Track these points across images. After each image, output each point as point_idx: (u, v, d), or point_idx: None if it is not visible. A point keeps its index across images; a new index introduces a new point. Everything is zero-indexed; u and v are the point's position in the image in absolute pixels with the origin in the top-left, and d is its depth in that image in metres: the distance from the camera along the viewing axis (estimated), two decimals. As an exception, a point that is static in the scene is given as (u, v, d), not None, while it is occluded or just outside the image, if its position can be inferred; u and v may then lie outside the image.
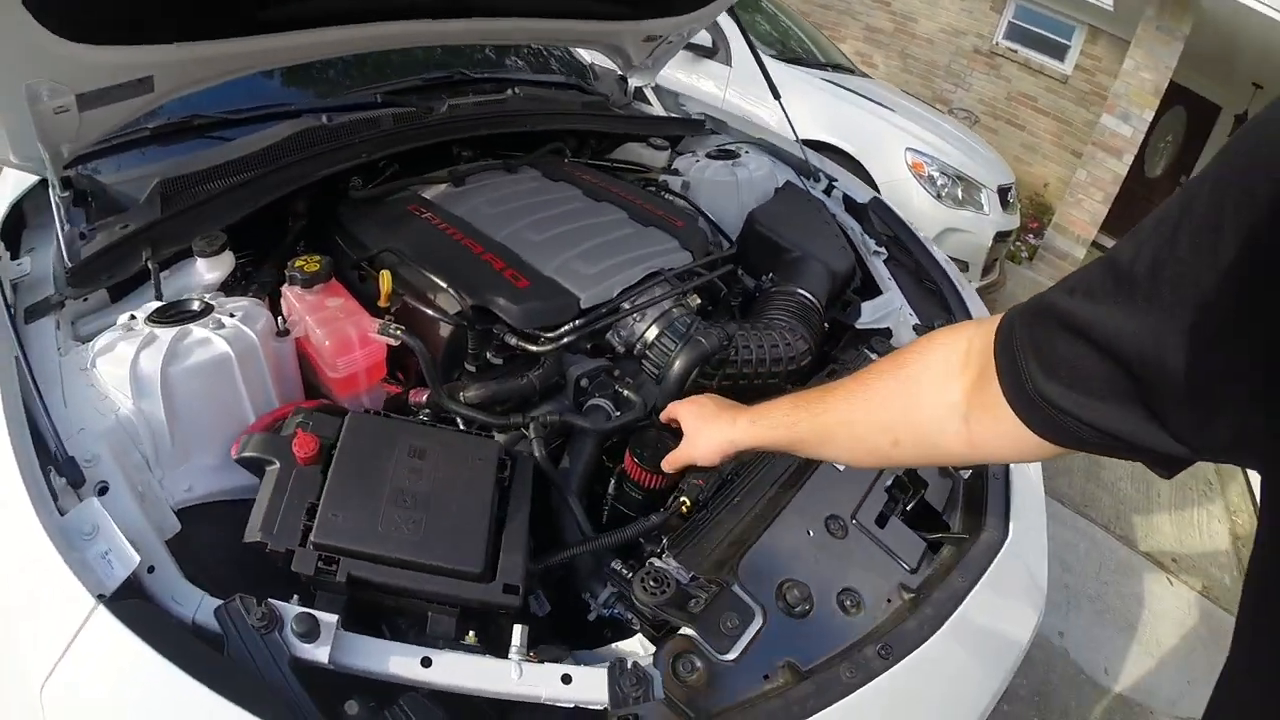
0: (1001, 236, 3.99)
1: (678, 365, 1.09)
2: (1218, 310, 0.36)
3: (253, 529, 0.69)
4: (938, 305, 1.65)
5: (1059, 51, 6.95)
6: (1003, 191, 3.97)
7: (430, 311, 1.04)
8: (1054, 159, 6.94)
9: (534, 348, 1.04)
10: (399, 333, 0.94)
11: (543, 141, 1.71)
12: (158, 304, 0.87)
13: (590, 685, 0.68)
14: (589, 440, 1.00)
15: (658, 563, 0.80)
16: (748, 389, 1.21)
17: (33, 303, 0.91)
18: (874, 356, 1.38)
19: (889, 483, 1.10)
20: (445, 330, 1.04)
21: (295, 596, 0.65)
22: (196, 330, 0.81)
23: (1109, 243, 7.70)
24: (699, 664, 0.75)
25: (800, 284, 1.42)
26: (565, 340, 1.05)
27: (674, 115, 2.24)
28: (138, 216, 1.06)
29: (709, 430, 0.81)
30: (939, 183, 3.72)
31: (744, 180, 1.81)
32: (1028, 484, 1.25)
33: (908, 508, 1.11)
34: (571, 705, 0.67)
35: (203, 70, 1.15)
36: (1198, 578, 2.91)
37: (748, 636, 0.80)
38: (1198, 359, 0.37)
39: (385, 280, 1.03)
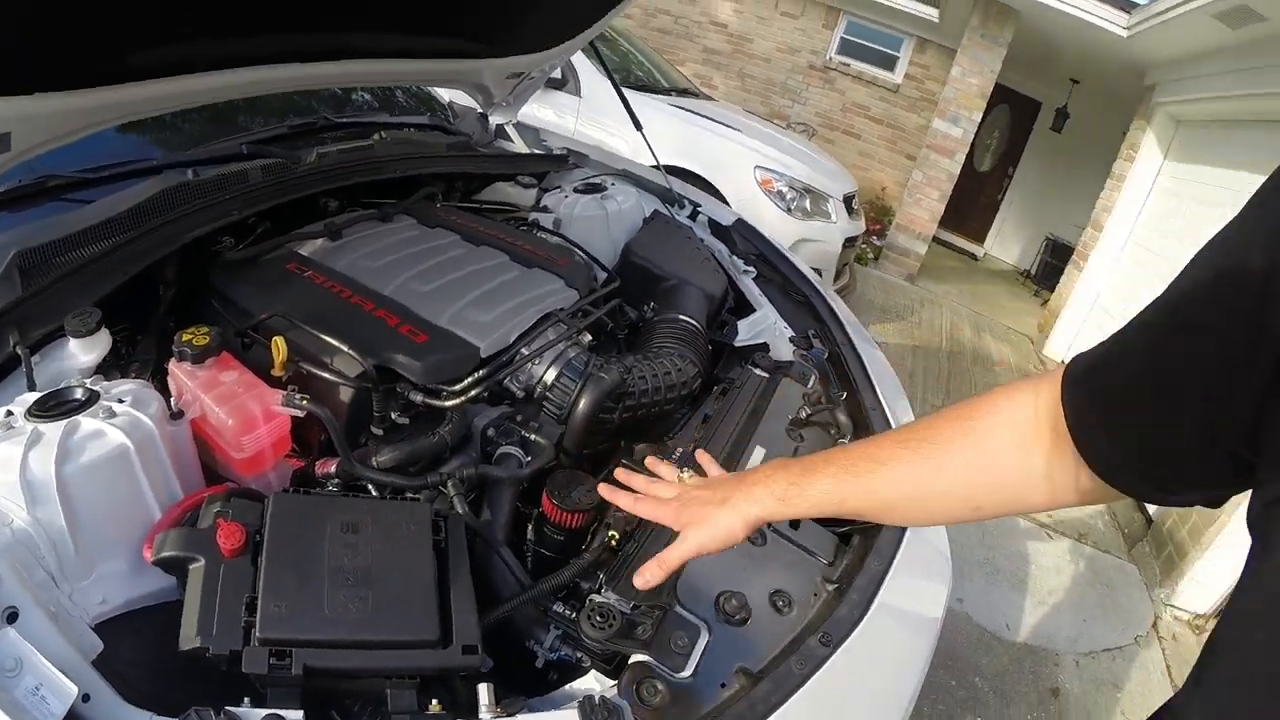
0: (849, 242, 4.38)
1: (582, 403, 1.13)
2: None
3: (188, 636, 0.66)
4: (808, 315, 1.82)
5: (889, 63, 7.80)
6: (847, 199, 4.36)
7: (330, 376, 1.02)
8: (889, 164, 7.69)
9: (440, 403, 1.05)
10: (305, 403, 0.92)
11: (413, 188, 1.71)
12: (35, 395, 0.80)
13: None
14: (505, 489, 1.02)
15: (598, 598, 0.84)
16: (645, 418, 1.27)
17: None
18: (758, 371, 1.49)
19: None
20: (347, 394, 1.03)
21: (246, 700, 0.63)
22: (86, 422, 0.76)
23: (947, 237, 8.61)
24: (660, 686, 0.79)
25: (681, 310, 1.53)
26: (472, 392, 1.07)
27: (537, 151, 2.30)
28: (13, 297, 0.96)
29: (723, 515, 0.73)
30: (788, 197, 4.02)
31: (613, 213, 1.90)
32: None
33: None
34: None
35: (66, 124, 1.06)
36: (1073, 528, 3.31)
37: (699, 652, 0.85)
38: (1261, 399, 0.40)
39: (279, 347, 1.00)
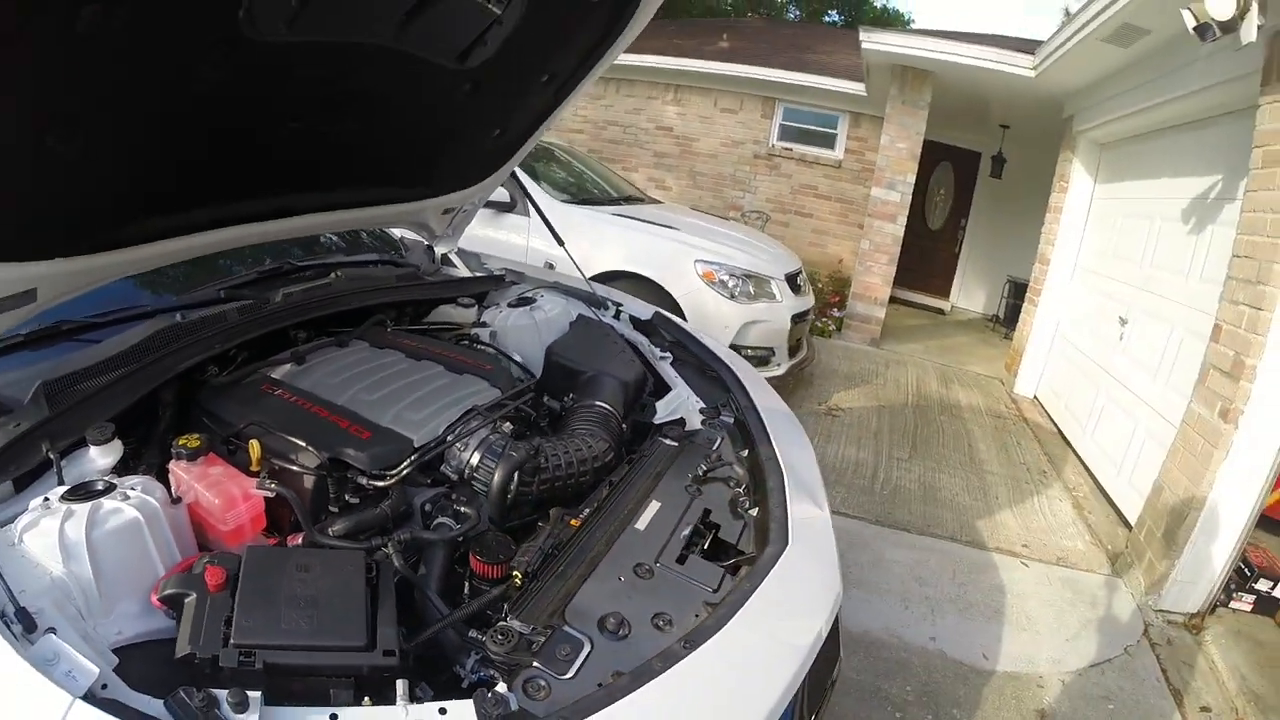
0: (799, 317, 4.80)
1: (497, 478, 1.45)
2: None
3: (181, 646, 0.96)
4: (719, 388, 2.15)
5: (829, 141, 8.67)
6: (791, 278, 4.82)
7: (295, 468, 1.37)
8: (844, 236, 8.34)
9: (380, 484, 1.39)
10: (274, 485, 1.27)
11: (366, 316, 2.12)
12: (64, 488, 1.13)
13: (461, 713, 0.96)
14: (437, 550, 1.34)
15: (504, 623, 1.15)
16: (563, 490, 1.56)
17: None
18: (667, 441, 1.82)
19: (686, 531, 1.47)
20: (310, 481, 1.37)
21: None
22: (108, 502, 1.10)
23: (908, 296, 9.14)
24: (544, 684, 1.06)
25: (596, 397, 1.86)
26: (403, 473, 1.41)
27: (477, 274, 2.72)
28: (28, 415, 1.30)
29: None
30: (730, 284, 4.48)
31: (541, 321, 2.30)
32: (809, 513, 1.60)
33: (705, 547, 1.49)
34: None
35: (79, 280, 1.46)
36: (1051, 552, 3.49)
37: (580, 659, 1.11)
38: None
39: (255, 448, 1.36)
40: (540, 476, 1.52)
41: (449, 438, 1.52)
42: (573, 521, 1.46)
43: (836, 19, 21.84)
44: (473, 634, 1.15)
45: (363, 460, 1.39)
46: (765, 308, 4.56)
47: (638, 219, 4.88)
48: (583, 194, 5.44)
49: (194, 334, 1.69)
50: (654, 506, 1.54)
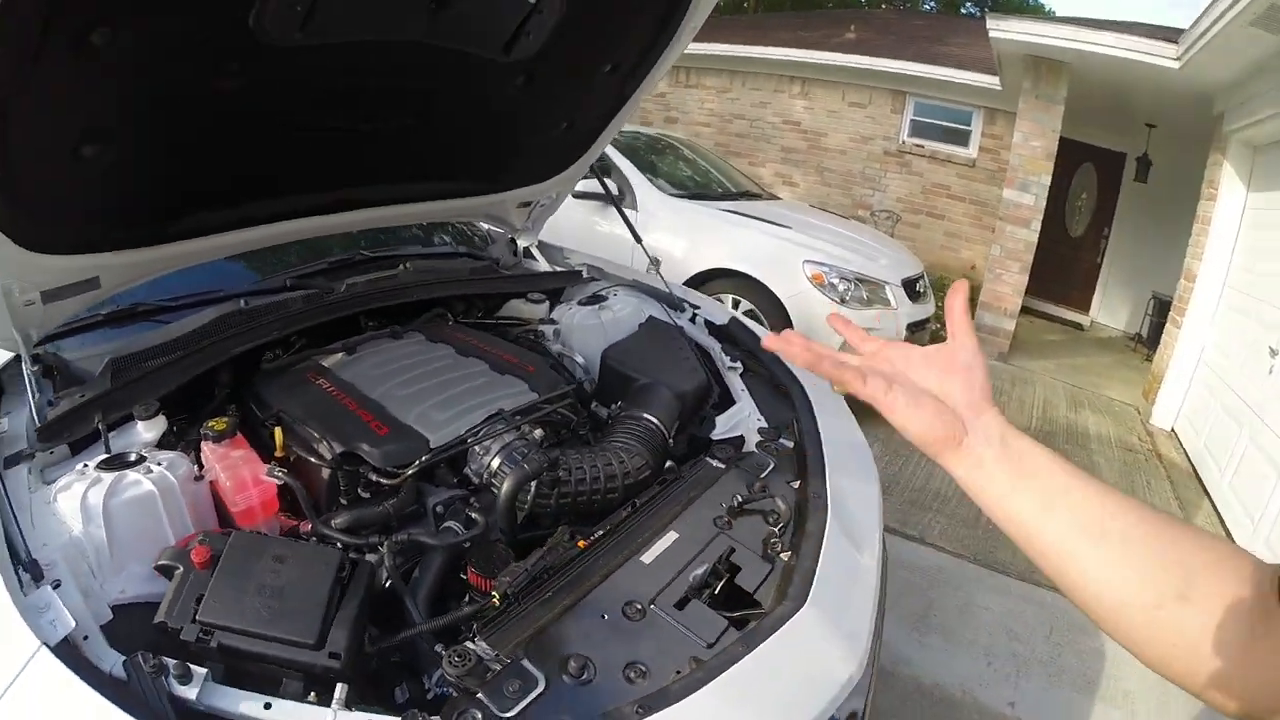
0: (916, 325, 4.55)
1: (505, 486, 1.41)
2: None
3: (160, 613, 1.04)
4: (787, 407, 1.97)
5: (962, 138, 8.15)
6: (909, 283, 4.58)
7: (311, 459, 1.44)
8: (977, 240, 7.83)
9: (388, 482, 1.42)
10: (281, 474, 1.34)
11: (434, 307, 2.20)
12: (105, 455, 1.27)
13: None
14: (435, 555, 1.33)
15: (469, 644, 1.11)
16: (587, 505, 1.50)
17: (10, 454, 1.32)
18: (713, 463, 1.69)
19: (700, 570, 1.33)
20: (325, 472, 1.44)
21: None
22: (130, 474, 1.21)
23: (1043, 308, 8.47)
24: (478, 717, 1.01)
25: (645, 409, 1.76)
26: (410, 474, 1.42)
27: (554, 270, 2.74)
28: (92, 388, 1.47)
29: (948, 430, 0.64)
30: (841, 288, 4.30)
31: (608, 321, 2.28)
32: (849, 563, 1.42)
33: (715, 592, 1.33)
34: None
35: (136, 271, 1.64)
36: None
37: (526, 700, 1.04)
38: None
39: (278, 435, 1.45)
40: (560, 489, 1.47)
41: (469, 440, 1.52)
42: (580, 543, 1.38)
43: (973, 10, 20.63)
44: (439, 648, 1.12)
45: (375, 456, 1.42)
46: (877, 314, 4.35)
47: (748, 215, 4.79)
48: (697, 188, 5.40)
49: (255, 320, 1.82)
50: (670, 538, 1.42)
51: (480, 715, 1.00)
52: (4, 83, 1.05)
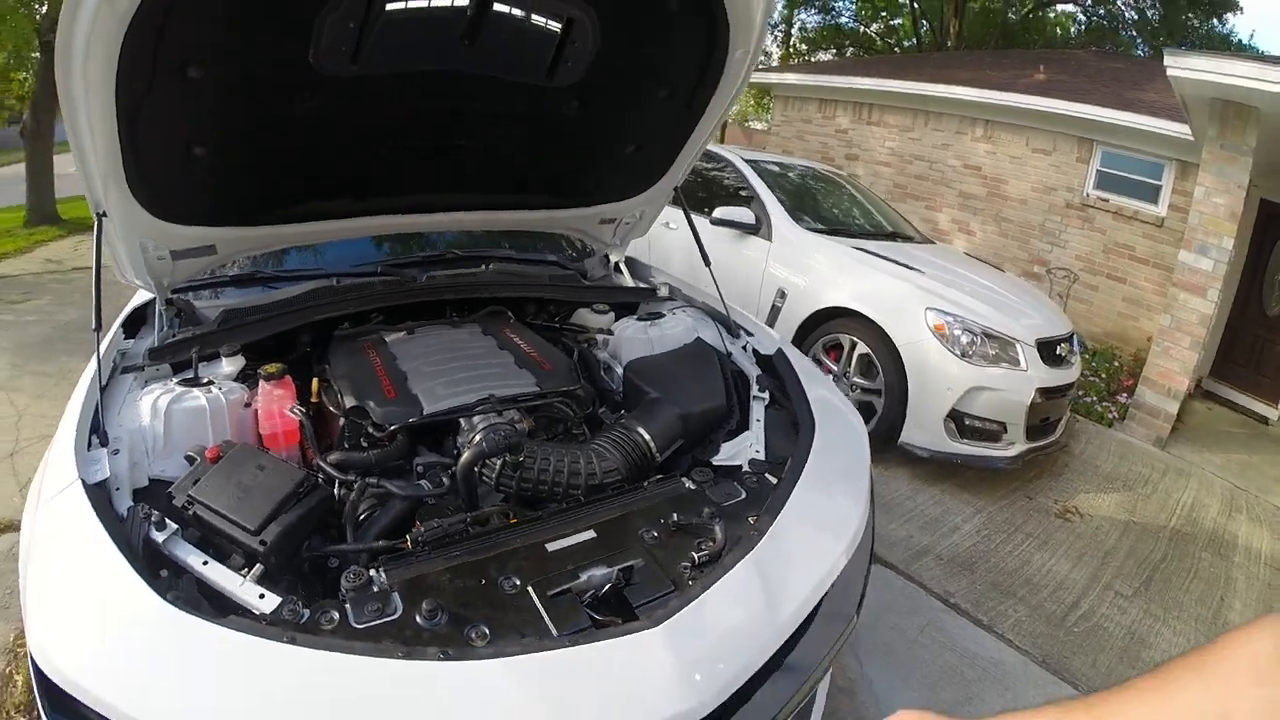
0: (1052, 392, 4.32)
1: (464, 456, 1.64)
2: None
3: (174, 488, 1.47)
4: (793, 444, 1.98)
5: (1151, 194, 7.47)
6: (1046, 345, 4.35)
7: (331, 408, 1.86)
8: (1160, 309, 7.10)
9: (378, 435, 1.78)
10: (300, 413, 1.75)
11: (508, 304, 2.56)
12: (187, 376, 1.78)
13: (270, 603, 1.27)
14: (397, 503, 1.63)
15: (371, 571, 1.35)
16: (548, 494, 1.69)
17: (128, 364, 1.87)
18: (686, 483, 1.78)
19: (595, 572, 1.41)
20: (340, 421, 1.84)
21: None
22: (193, 392, 1.70)
23: (1225, 393, 7.51)
24: (335, 617, 1.25)
25: (641, 420, 1.94)
26: (392, 430, 1.76)
27: (631, 285, 3.01)
28: (201, 329, 2.01)
29: None
30: (964, 340, 4.17)
31: (655, 337, 2.51)
32: (741, 600, 1.41)
33: (599, 594, 1.40)
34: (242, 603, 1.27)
35: (244, 244, 2.19)
36: None
37: (378, 620, 1.27)
38: None
39: (315, 385, 1.91)
40: (522, 474, 1.67)
41: (459, 415, 1.83)
42: (512, 519, 1.61)
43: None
44: (352, 567, 1.38)
45: (376, 413, 1.79)
46: (1002, 375, 4.14)
47: (879, 255, 4.78)
48: (840, 225, 5.46)
49: (338, 295, 2.29)
50: (586, 536, 1.54)
51: (337, 616, 1.27)
52: (134, 101, 1.53)
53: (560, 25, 1.83)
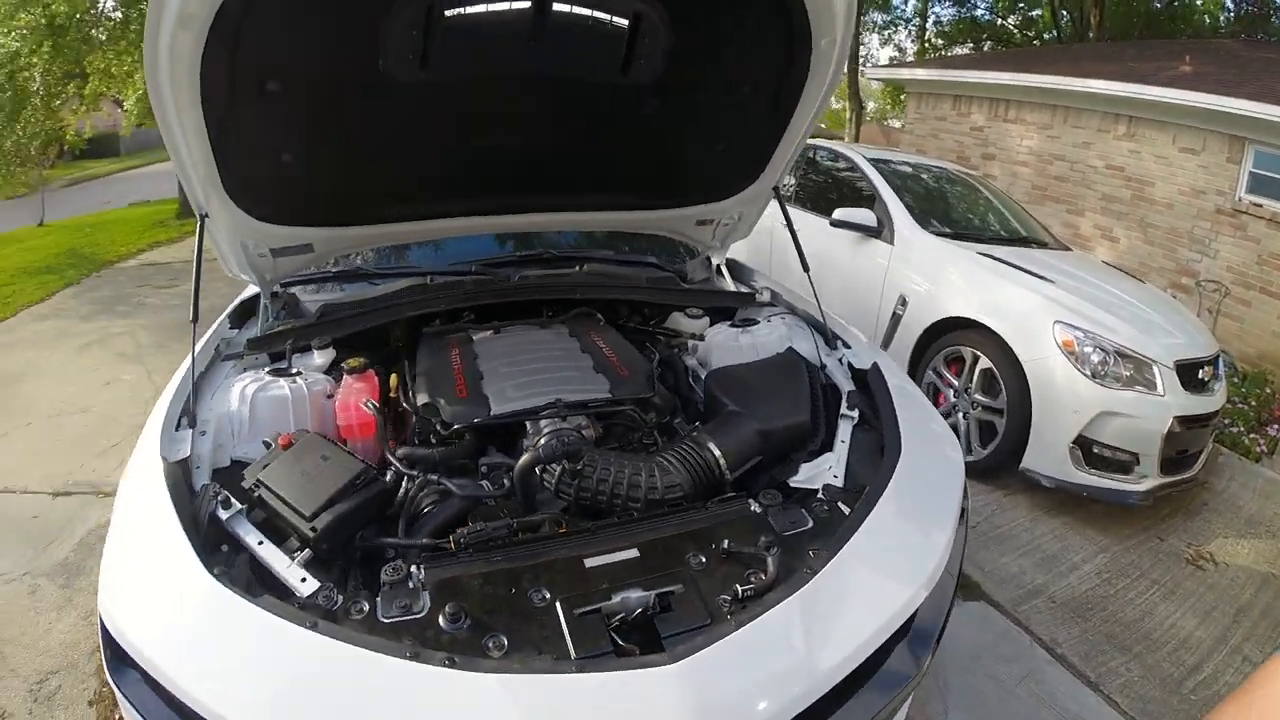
0: (1193, 421, 3.91)
1: (521, 461, 1.65)
2: None
3: (246, 470, 1.57)
4: (874, 469, 1.82)
5: None
6: (1187, 368, 3.94)
7: (405, 404, 1.94)
8: None
9: (445, 433, 1.82)
10: (373, 407, 1.81)
11: (602, 306, 2.56)
12: (279, 366, 1.92)
13: (310, 585, 1.34)
14: (455, 501, 1.64)
15: (412, 567, 1.38)
16: (607, 505, 1.65)
17: (230, 352, 2.04)
18: (753, 506, 1.67)
19: (629, 595, 1.34)
20: (412, 416, 1.90)
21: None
22: (279, 381, 1.82)
23: None
24: (365, 608, 1.29)
25: (713, 436, 1.86)
26: (457, 428, 1.80)
27: (729, 290, 2.92)
28: (301, 321, 2.16)
29: None
30: (1095, 359, 3.82)
31: (747, 345, 2.43)
32: (776, 643, 1.31)
33: (627, 620, 1.33)
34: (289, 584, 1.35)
35: (339, 243, 2.31)
36: None
37: (404, 616, 1.29)
38: None
39: (393, 379, 1.99)
40: (581, 483, 1.64)
41: (526, 418, 1.83)
42: (562, 529, 1.60)
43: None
44: (395, 559, 1.44)
45: (445, 412, 1.82)
46: (1136, 399, 3.76)
47: (1008, 262, 4.44)
48: (969, 229, 5.15)
49: (431, 293, 2.36)
50: (629, 554, 1.48)
51: (366, 608, 1.30)
52: (221, 114, 1.66)
53: (628, 21, 1.82)
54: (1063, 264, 4.77)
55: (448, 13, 1.65)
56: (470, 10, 1.68)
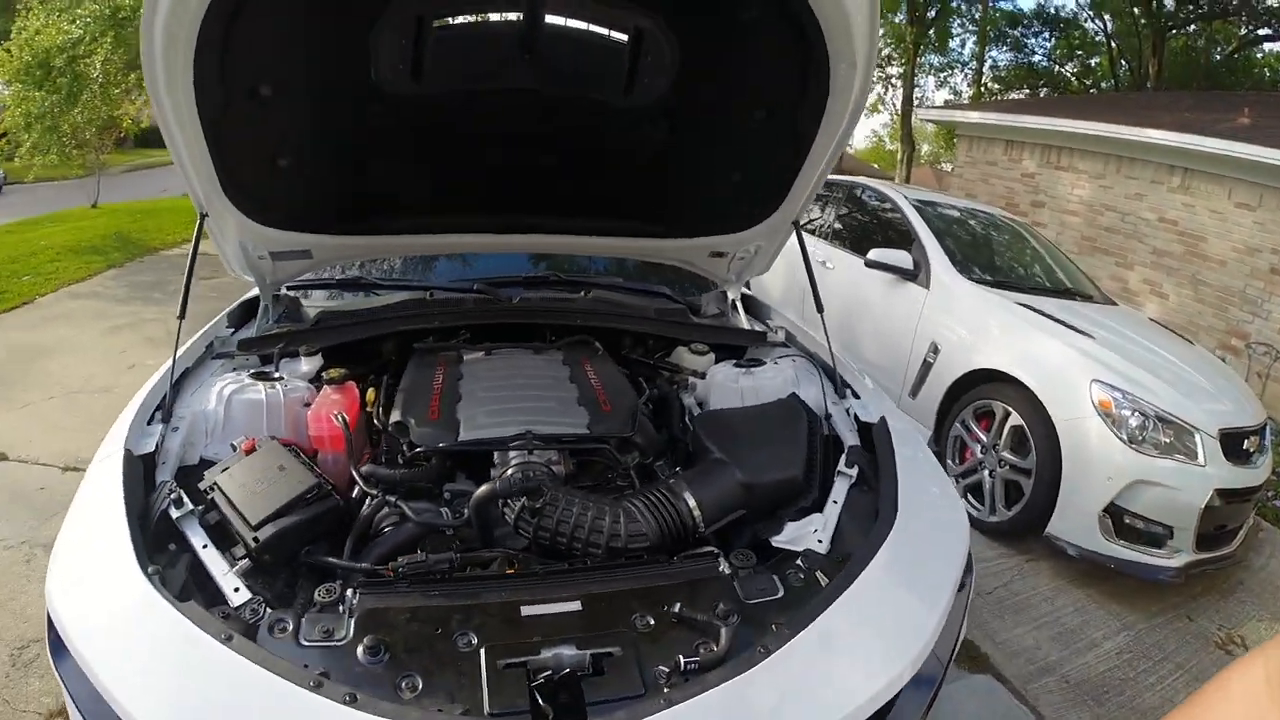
0: (1235, 495, 3.67)
1: (477, 492, 1.58)
2: None
3: (208, 473, 1.56)
4: (863, 536, 1.66)
5: None
6: (1232, 437, 3.71)
7: (377, 421, 1.88)
8: None
9: (409, 455, 1.76)
10: (340, 420, 1.75)
11: (601, 333, 2.45)
12: (265, 369, 1.92)
13: (242, 596, 1.33)
14: (409, 528, 1.59)
15: (348, 590, 1.36)
16: (565, 547, 1.53)
17: (221, 350, 2.05)
18: (721, 566, 1.54)
19: (560, 652, 1.24)
20: (381, 433, 1.87)
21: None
22: (258, 385, 1.81)
23: None
24: (288, 628, 1.27)
25: (690, 486, 1.71)
26: (420, 451, 1.74)
27: (739, 327, 2.78)
28: (295, 326, 2.15)
29: None
30: (1132, 423, 3.60)
31: (748, 386, 2.31)
32: None
33: (537, 680, 1.20)
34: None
35: (337, 252, 2.28)
36: None
37: (324, 643, 1.25)
38: None
39: (370, 395, 1.95)
40: (540, 522, 1.54)
41: (494, 448, 1.75)
42: (509, 569, 1.55)
43: None
44: (327, 583, 1.40)
45: (414, 433, 1.76)
46: (1174, 469, 3.52)
47: (1046, 314, 4.24)
48: (1009, 277, 4.97)
49: (427, 309, 2.32)
50: (571, 606, 1.37)
51: (290, 627, 1.27)
52: (216, 116, 1.67)
53: (627, 36, 1.75)
54: (1106, 319, 4.57)
55: (436, 23, 1.62)
56: (460, 20, 1.66)
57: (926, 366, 4.53)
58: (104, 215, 12.22)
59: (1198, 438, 3.60)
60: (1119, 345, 4.09)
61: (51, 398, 4.65)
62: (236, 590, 1.34)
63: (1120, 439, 3.59)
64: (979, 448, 4.14)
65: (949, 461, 4.29)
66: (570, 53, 1.76)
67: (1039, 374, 3.89)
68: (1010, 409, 3.97)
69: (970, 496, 4.16)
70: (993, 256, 5.27)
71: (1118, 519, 3.59)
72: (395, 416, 1.81)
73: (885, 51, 23.44)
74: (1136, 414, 3.62)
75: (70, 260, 8.40)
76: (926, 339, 4.58)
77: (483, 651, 1.24)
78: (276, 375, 1.89)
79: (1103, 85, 20.61)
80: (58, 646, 1.27)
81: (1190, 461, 3.57)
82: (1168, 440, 3.59)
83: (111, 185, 13.79)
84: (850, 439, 2.07)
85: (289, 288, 2.49)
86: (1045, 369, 3.91)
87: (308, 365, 2.00)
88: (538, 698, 1.17)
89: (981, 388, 4.18)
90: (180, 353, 1.92)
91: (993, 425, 4.07)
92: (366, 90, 1.73)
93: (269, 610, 1.30)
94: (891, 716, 1.31)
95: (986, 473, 4.08)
